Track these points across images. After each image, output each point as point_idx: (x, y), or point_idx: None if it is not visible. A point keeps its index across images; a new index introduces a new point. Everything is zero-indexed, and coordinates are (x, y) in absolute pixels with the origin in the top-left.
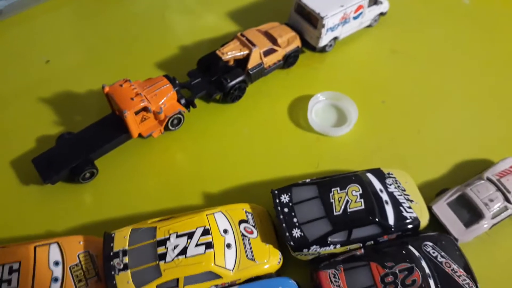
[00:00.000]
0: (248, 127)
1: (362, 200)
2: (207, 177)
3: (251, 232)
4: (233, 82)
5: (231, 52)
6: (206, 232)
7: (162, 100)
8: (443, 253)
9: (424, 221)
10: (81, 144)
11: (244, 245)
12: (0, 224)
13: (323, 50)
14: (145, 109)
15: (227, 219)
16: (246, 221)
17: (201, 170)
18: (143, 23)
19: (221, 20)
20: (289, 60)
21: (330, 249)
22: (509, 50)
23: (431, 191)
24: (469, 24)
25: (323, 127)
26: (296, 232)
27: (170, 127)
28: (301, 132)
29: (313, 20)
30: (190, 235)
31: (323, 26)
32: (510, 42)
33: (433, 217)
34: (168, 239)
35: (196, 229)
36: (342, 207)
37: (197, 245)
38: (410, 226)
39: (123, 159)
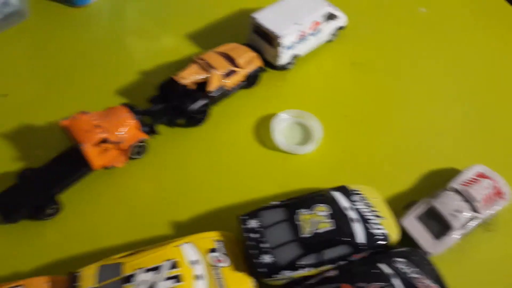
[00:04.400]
0: (213, 150)
1: (330, 220)
2: (174, 204)
3: (221, 261)
4: (194, 106)
5: (189, 77)
6: (174, 265)
7: (123, 130)
8: (415, 269)
9: (394, 236)
10: (43, 180)
11: (215, 275)
12: None
13: (284, 68)
14: (104, 140)
15: (196, 249)
16: (215, 250)
17: (168, 197)
18: (100, 49)
19: (180, 42)
20: (251, 80)
21: (302, 272)
22: (469, 56)
23: (399, 204)
24: (427, 32)
25: (288, 145)
26: (266, 258)
27: (134, 156)
28: (267, 152)
29: (271, 39)
30: (158, 269)
31: (280, 44)
32: (467, 48)
33: (403, 232)
34: (135, 275)
35: (164, 262)
36: (311, 229)
37: (166, 279)
38: (381, 243)
39: (88, 192)
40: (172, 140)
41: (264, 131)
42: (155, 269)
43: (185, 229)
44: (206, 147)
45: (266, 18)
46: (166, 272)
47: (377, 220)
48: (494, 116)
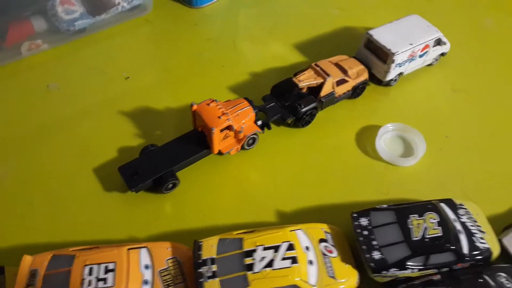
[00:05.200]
0: (317, 151)
1: (439, 227)
2: (279, 195)
3: (331, 252)
4: (307, 108)
5: (306, 80)
6: (291, 247)
7: (243, 121)
8: None
9: (495, 252)
10: (165, 156)
11: (325, 263)
12: (86, 228)
13: (388, 84)
14: (229, 127)
15: (308, 237)
16: (325, 240)
17: (274, 188)
18: (215, 48)
19: (288, 51)
20: (356, 91)
21: (407, 272)
22: None
23: (498, 225)
24: None
25: (391, 156)
26: (376, 255)
27: (246, 147)
28: (369, 160)
29: (383, 55)
30: (276, 249)
31: (393, 61)
32: None
33: (503, 249)
34: (255, 250)
35: (282, 243)
36: (421, 233)
37: (283, 259)
38: (482, 256)
39: (202, 173)
40: (278, 137)
41: (365, 140)
42: (274, 248)
43: (290, 219)
44: (310, 147)
45: (381, 35)
46: (284, 252)
47: (481, 235)
48: None
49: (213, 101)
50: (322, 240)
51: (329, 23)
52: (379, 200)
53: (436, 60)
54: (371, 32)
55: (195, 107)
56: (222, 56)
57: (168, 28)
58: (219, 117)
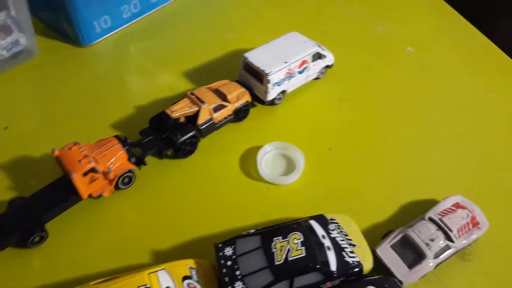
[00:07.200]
0: (199, 180)
1: (303, 247)
2: (158, 233)
3: None
4: (184, 138)
5: (180, 110)
6: None
7: (111, 160)
8: None
9: (367, 265)
10: (32, 208)
11: None
12: None
13: (272, 103)
14: (93, 170)
15: (170, 276)
16: (189, 277)
17: (151, 227)
18: (101, 85)
19: (176, 80)
20: (240, 114)
21: None
22: (452, 93)
23: (378, 234)
24: (412, 71)
25: (273, 176)
26: (239, 285)
27: (121, 186)
28: (252, 182)
29: (260, 76)
30: None
31: (268, 81)
32: (451, 85)
33: (378, 260)
34: None
35: None
36: (284, 256)
37: None
38: (353, 271)
39: (75, 221)
40: (160, 171)
41: (250, 163)
42: None
43: (166, 256)
44: (193, 177)
45: (256, 57)
46: None
47: (351, 248)
48: (474, 149)
49: (75, 144)
50: (186, 278)
51: (221, 47)
52: (258, 223)
53: (323, 73)
54: (247, 54)
55: (56, 152)
56: (108, 92)
57: (55, 71)
58: (79, 161)
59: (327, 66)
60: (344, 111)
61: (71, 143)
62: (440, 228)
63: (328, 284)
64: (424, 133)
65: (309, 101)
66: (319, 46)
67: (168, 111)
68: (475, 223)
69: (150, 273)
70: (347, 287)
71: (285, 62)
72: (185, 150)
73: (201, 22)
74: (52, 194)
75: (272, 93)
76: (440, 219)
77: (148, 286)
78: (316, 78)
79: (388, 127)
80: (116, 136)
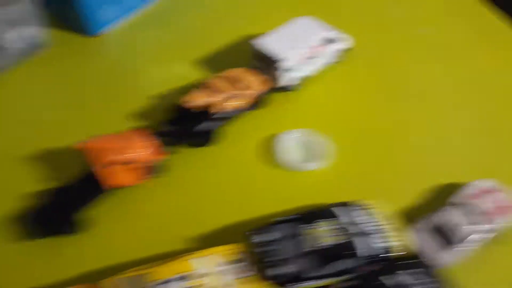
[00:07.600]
0: (224, 169)
1: (332, 234)
2: (188, 221)
3: (231, 274)
4: (198, 128)
5: (193, 101)
6: (184, 278)
7: (133, 151)
8: (418, 281)
9: (397, 250)
10: (64, 200)
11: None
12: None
13: (291, 89)
14: (114, 161)
15: (206, 262)
16: (225, 263)
17: (181, 214)
18: (113, 76)
19: (190, 68)
20: (258, 102)
21: (307, 284)
22: (472, 72)
23: (407, 219)
24: (429, 52)
25: (293, 163)
26: (273, 271)
27: (147, 176)
28: (273, 170)
29: (270, 63)
30: (168, 283)
31: (279, 68)
32: (470, 65)
33: (408, 245)
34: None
35: (174, 275)
36: (313, 243)
37: None
38: (382, 256)
39: (107, 210)
40: (185, 159)
41: (271, 150)
42: (166, 282)
43: (199, 243)
44: (218, 166)
45: (265, 44)
46: (176, 286)
47: (380, 234)
48: (502, 130)
49: (96, 136)
50: (221, 264)
51: (233, 35)
52: (285, 210)
53: (340, 57)
54: (255, 41)
55: (79, 145)
56: (121, 83)
57: (67, 63)
58: (98, 154)
59: (344, 50)
60: (363, 95)
61: (94, 136)
62: (466, 212)
63: (361, 269)
64: (447, 116)
65: (328, 86)
66: (332, 29)
67: (181, 102)
68: (507, 207)
69: (185, 260)
70: (376, 273)
71: (299, 47)
72: (203, 139)
73: (214, 9)
74: (82, 186)
75: (284, 80)
76: (467, 203)
77: (185, 273)
78: (335, 62)
79: (410, 110)
80: (140, 127)
